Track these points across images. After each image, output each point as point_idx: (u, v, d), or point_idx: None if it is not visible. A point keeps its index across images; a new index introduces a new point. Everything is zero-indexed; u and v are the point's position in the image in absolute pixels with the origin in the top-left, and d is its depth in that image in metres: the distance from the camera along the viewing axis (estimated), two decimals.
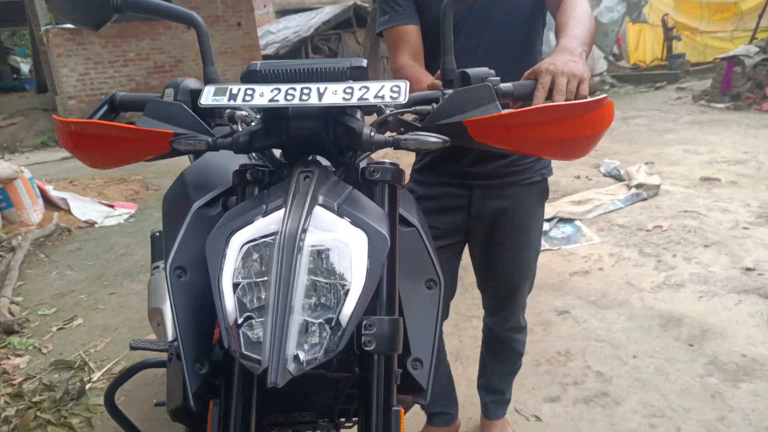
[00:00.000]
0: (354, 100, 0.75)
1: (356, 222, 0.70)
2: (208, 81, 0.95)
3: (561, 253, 3.44)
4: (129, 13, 0.91)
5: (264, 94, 0.78)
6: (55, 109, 10.54)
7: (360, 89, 0.76)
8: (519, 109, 0.79)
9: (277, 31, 15.18)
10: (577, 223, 3.80)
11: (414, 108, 0.88)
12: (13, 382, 2.37)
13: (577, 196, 4.28)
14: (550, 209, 3.92)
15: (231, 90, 0.80)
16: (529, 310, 2.69)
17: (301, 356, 0.63)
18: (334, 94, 0.76)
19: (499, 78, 0.89)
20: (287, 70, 0.81)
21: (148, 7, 0.93)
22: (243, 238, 0.69)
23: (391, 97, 0.76)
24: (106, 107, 0.99)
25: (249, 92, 0.78)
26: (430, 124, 0.84)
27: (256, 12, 12.81)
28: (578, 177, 4.95)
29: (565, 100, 0.90)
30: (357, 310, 0.65)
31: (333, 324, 0.64)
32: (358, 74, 0.81)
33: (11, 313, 3.04)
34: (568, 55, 0.98)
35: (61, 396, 2.16)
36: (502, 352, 1.75)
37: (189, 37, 10.76)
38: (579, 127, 0.80)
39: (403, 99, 0.76)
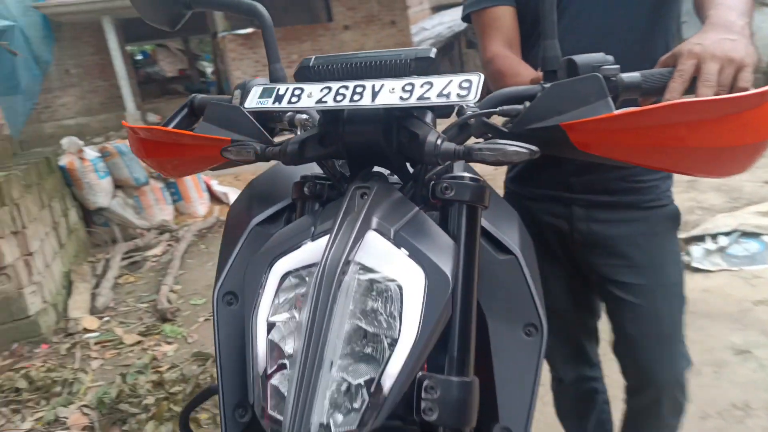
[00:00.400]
0: (413, 100, 0.62)
1: (415, 255, 0.58)
2: (274, 80, 0.85)
3: (742, 275, 2.87)
4: (198, 9, 0.84)
5: (312, 95, 0.66)
6: None
7: (422, 86, 0.62)
8: (640, 108, 0.57)
9: (432, 27, 15.19)
10: (766, 238, 3.16)
11: (500, 108, 0.70)
12: (159, 369, 2.54)
13: (766, 206, 3.58)
14: (730, 220, 3.32)
15: (278, 90, 0.69)
16: (698, 346, 2.27)
17: (332, 426, 0.52)
18: (390, 92, 0.63)
19: (618, 66, 0.68)
20: (343, 66, 0.69)
21: (216, 1, 0.87)
22: (285, 266, 0.60)
23: (458, 95, 0.61)
24: (185, 111, 0.93)
25: (297, 92, 0.68)
26: (520, 129, 0.67)
27: (412, 9, 12.94)
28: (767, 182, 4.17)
29: (716, 94, 0.67)
30: (404, 373, 0.53)
31: (373, 388, 0.53)
32: (424, 67, 0.66)
33: (169, 301, 3.31)
34: (722, 32, 0.72)
35: (191, 390, 2.26)
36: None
37: (346, 37, 11.18)
38: (731, 132, 0.57)
39: (473, 97, 0.60)
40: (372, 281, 0.56)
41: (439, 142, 0.65)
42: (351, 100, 0.64)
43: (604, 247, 1.17)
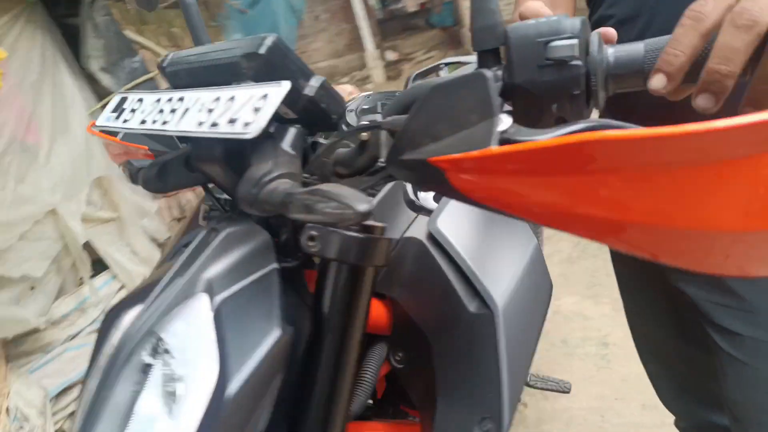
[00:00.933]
0: (205, 127, 0.46)
1: (221, 342, 0.43)
2: None
3: None
4: None
5: (144, 111, 0.53)
6: (460, 42, 11.40)
7: (226, 102, 0.46)
8: (530, 144, 0.32)
9: None
10: None
11: (387, 120, 0.47)
12: None
13: None
14: None
15: (122, 103, 0.57)
16: None
17: None
18: (198, 111, 0.48)
19: (574, 41, 0.41)
20: (186, 67, 0.54)
21: None
22: (129, 321, 0.50)
23: (245, 123, 0.43)
24: None
25: (135, 106, 0.55)
26: (393, 158, 0.44)
27: None
28: None
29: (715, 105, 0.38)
30: None
31: None
32: (256, 68, 0.48)
33: None
34: None
35: None
36: None
37: None
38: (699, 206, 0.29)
39: (257, 128, 0.42)
40: (163, 369, 0.44)
41: (265, 180, 0.46)
42: (163, 122, 0.50)
43: (707, 277, 0.78)
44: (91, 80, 2.63)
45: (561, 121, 0.43)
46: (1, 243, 2.01)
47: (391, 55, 12.05)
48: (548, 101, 0.42)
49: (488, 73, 0.38)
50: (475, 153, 0.35)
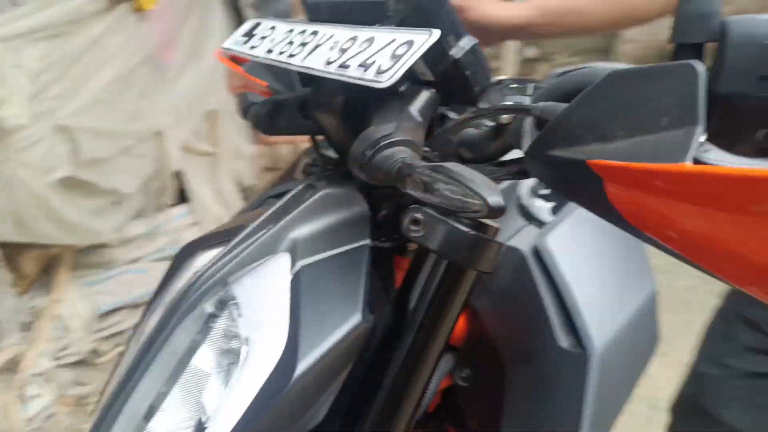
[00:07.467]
0: (333, 68, 0.42)
1: (294, 313, 0.41)
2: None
3: None
4: None
5: (274, 40, 0.49)
6: (607, 52, 10.73)
7: (362, 44, 0.42)
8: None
9: None
10: None
11: (543, 105, 0.39)
12: None
13: None
14: None
15: (254, 28, 0.53)
16: None
17: None
18: (330, 49, 0.43)
19: None
20: (331, 3, 0.50)
21: None
22: (200, 264, 0.48)
23: (378, 70, 0.39)
24: None
25: (265, 35, 0.51)
26: (538, 152, 0.38)
27: None
28: None
29: None
30: None
31: None
32: (407, 11, 0.44)
33: None
34: None
35: None
36: None
37: None
38: None
39: (389, 78, 0.38)
40: (226, 328, 0.42)
41: (384, 143, 0.40)
42: (290, 54, 0.46)
43: None
44: (238, 14, 2.58)
45: (764, 153, 0.32)
46: (104, 152, 2.02)
47: (531, 52, 11.52)
48: (756, 124, 0.32)
49: (700, 67, 0.29)
50: (660, 166, 0.28)
